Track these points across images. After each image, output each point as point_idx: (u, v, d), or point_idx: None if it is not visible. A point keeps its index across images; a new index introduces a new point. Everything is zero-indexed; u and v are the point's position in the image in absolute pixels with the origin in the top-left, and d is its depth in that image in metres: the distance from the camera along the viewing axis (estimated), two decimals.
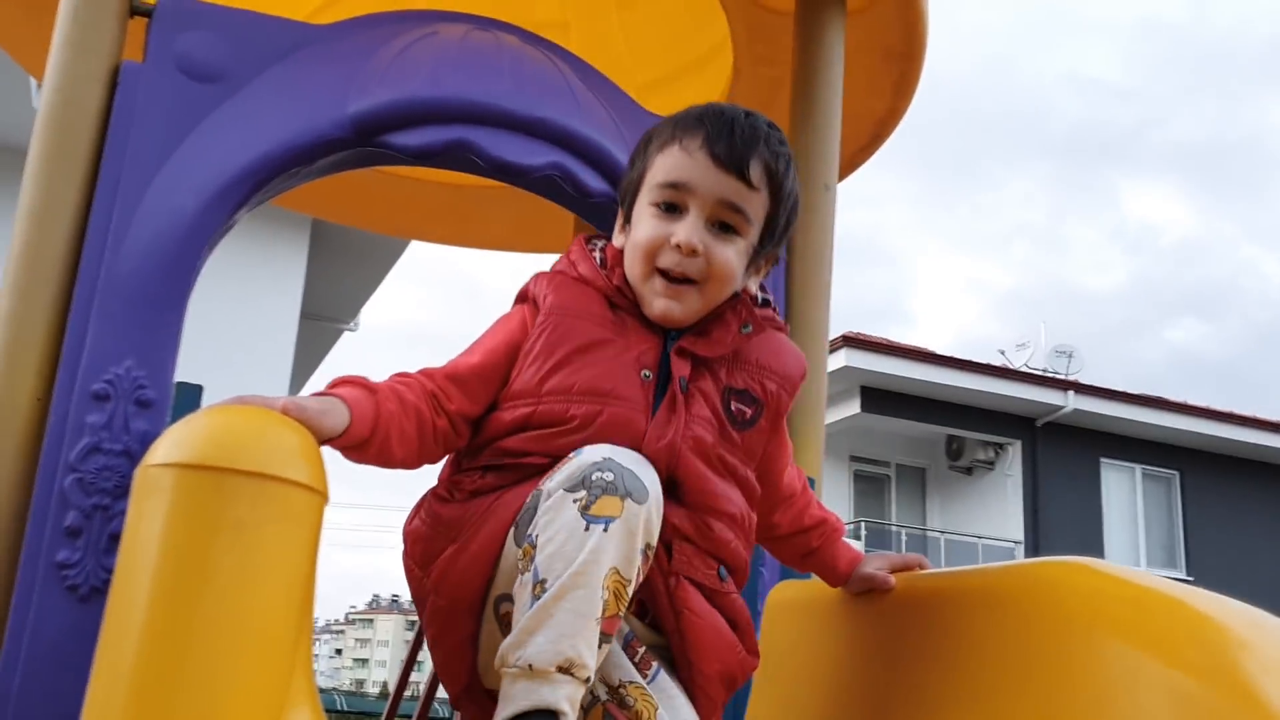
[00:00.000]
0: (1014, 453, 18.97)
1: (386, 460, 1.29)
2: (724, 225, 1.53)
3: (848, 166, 3.26)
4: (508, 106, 2.05)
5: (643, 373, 1.47)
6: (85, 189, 1.91)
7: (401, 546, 1.48)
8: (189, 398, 1.70)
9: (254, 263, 10.53)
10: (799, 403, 2.34)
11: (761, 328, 1.61)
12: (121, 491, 1.80)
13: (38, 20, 2.38)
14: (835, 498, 19.43)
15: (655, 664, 1.41)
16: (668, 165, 1.52)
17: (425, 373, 1.44)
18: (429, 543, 1.40)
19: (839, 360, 17.65)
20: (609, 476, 1.24)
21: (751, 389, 1.56)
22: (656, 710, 1.32)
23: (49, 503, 1.76)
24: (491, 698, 1.28)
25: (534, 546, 1.25)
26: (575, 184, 2.07)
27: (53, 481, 1.77)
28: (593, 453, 1.28)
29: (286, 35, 2.10)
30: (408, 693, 4.27)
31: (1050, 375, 19.20)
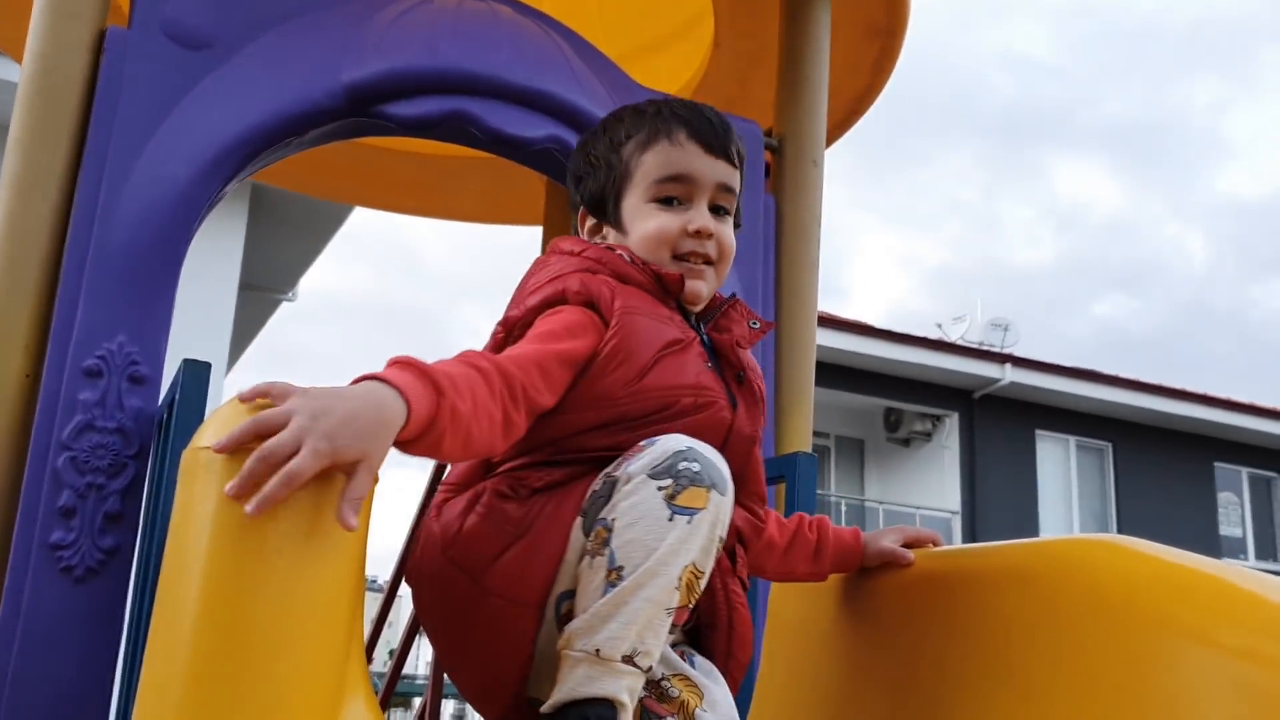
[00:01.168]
0: (951, 424, 19.25)
1: (439, 456, 1.20)
2: (718, 208, 1.56)
3: (836, 129, 3.27)
4: (507, 78, 2.02)
5: (707, 363, 1.48)
6: (71, 160, 1.85)
7: (425, 540, 1.39)
8: (197, 375, 1.66)
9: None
10: (792, 379, 2.36)
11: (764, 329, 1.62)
12: (116, 470, 1.75)
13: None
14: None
15: (688, 651, 1.41)
16: (661, 160, 1.52)
17: (512, 359, 1.29)
18: (485, 541, 1.31)
19: None
20: (695, 467, 1.22)
21: (756, 385, 1.57)
22: (702, 698, 1.32)
23: (41, 483, 1.72)
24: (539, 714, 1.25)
25: (608, 530, 1.23)
26: None
27: (45, 461, 1.73)
28: (675, 441, 1.25)
29: (278, 1, 2.05)
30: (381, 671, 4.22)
31: (987, 349, 19.49)
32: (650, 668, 1.21)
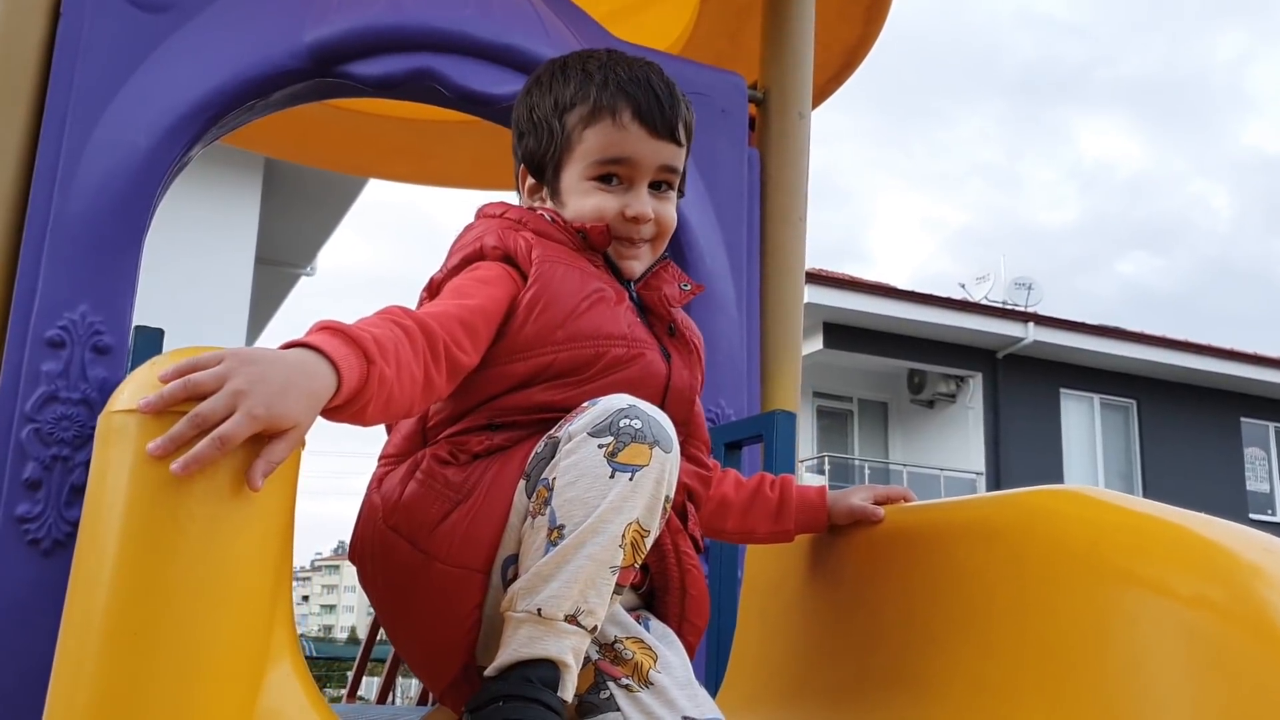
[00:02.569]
0: (975, 385, 19.14)
1: (362, 422, 1.16)
2: (659, 183, 1.53)
3: (819, 96, 3.20)
4: (473, 33, 1.97)
5: (637, 318, 1.45)
6: (30, 127, 1.82)
7: (366, 513, 1.36)
8: (149, 342, 1.63)
9: (206, 206, 10.31)
10: (775, 338, 2.31)
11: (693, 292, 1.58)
12: (81, 441, 1.73)
13: None
14: (800, 434, 19.52)
15: (644, 614, 1.38)
16: (603, 141, 1.48)
17: (432, 316, 1.26)
18: (426, 508, 1.29)
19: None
20: (636, 424, 1.20)
21: (690, 340, 1.53)
22: (656, 660, 1.28)
23: (6, 455, 1.70)
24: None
25: (549, 490, 1.20)
26: None
27: (9, 434, 1.71)
28: (617, 400, 1.22)
29: None
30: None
31: (1010, 308, 19.34)
32: (595, 627, 1.18)
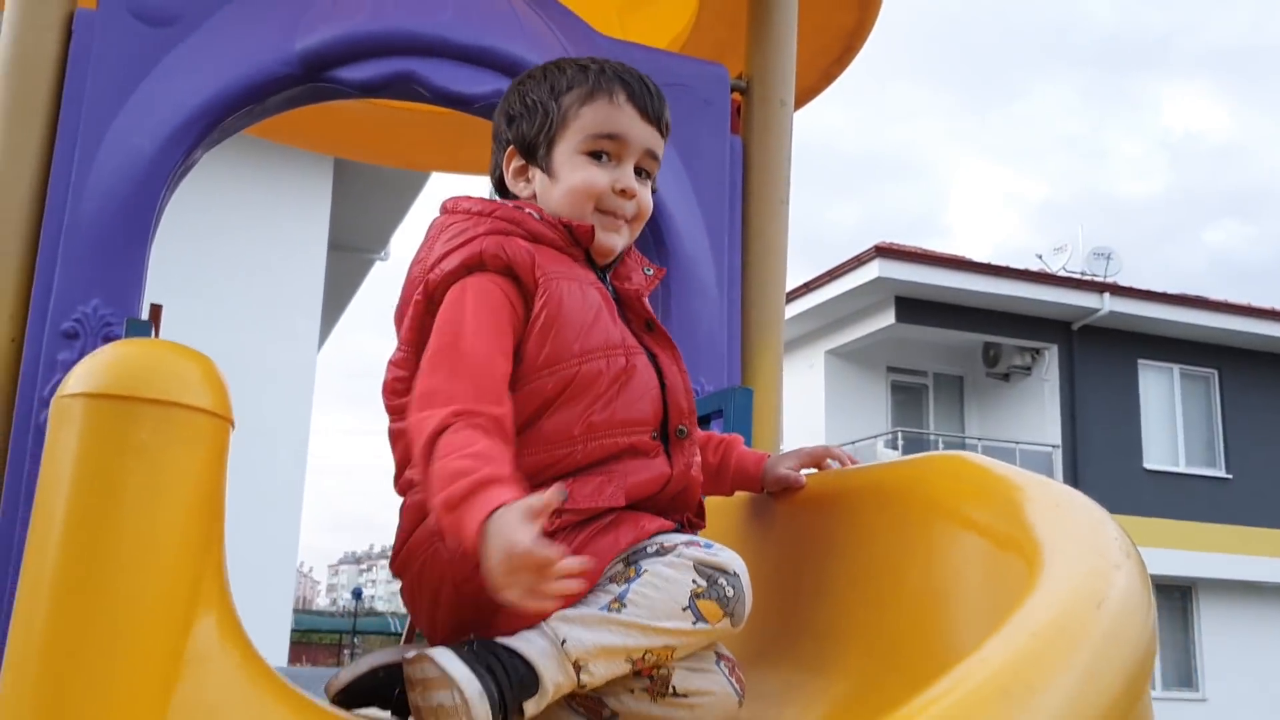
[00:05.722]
0: (1050, 357, 18.87)
1: None
2: (641, 171, 1.63)
3: (823, 79, 3.28)
4: (450, 37, 2.10)
5: (617, 317, 1.55)
6: (46, 137, 1.99)
7: (426, 552, 1.44)
8: (139, 331, 1.79)
9: (278, 194, 10.61)
10: (756, 317, 2.41)
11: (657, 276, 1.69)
12: None
13: None
14: (873, 409, 19.46)
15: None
16: (600, 116, 1.58)
17: (507, 412, 1.38)
18: None
19: (871, 271, 17.56)
20: (730, 592, 1.34)
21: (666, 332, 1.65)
22: None
23: (27, 436, 1.87)
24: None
25: (637, 575, 1.34)
26: None
27: (29, 417, 1.88)
28: (734, 561, 1.36)
29: None
30: None
31: (1085, 278, 19.00)
32: (584, 686, 1.30)
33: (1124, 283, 19.15)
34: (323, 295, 11.50)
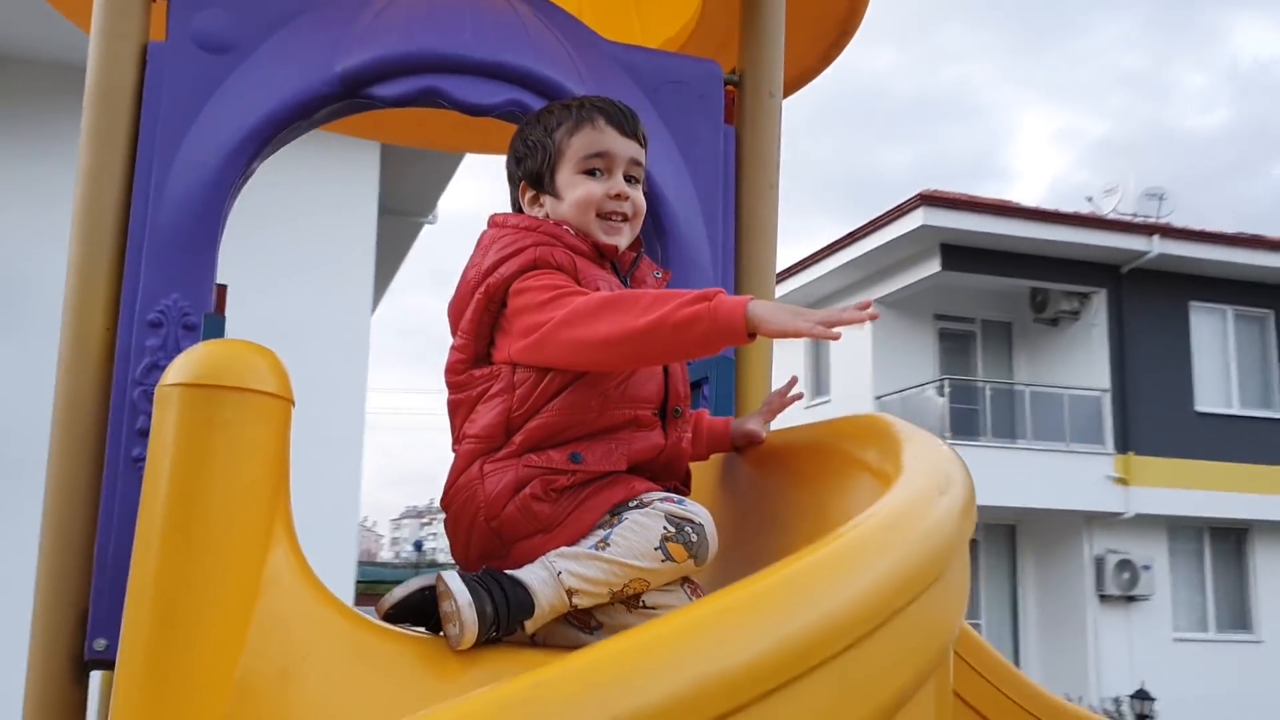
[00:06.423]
0: (1099, 301, 18.87)
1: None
2: (630, 178, 1.95)
3: (821, 62, 3.53)
4: (468, 54, 2.40)
5: None
6: (128, 155, 2.34)
7: (466, 494, 1.74)
8: (214, 326, 2.14)
9: (328, 161, 10.98)
10: (750, 289, 2.71)
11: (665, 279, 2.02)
12: None
13: None
14: (921, 357, 19.62)
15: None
16: (586, 141, 1.91)
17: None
18: (520, 528, 1.71)
19: (916, 219, 17.64)
20: (694, 537, 1.67)
21: None
22: None
23: (124, 411, 2.23)
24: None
25: (620, 522, 1.67)
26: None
27: (125, 394, 2.24)
28: (701, 513, 1.70)
29: (285, 4, 2.48)
30: None
31: (1134, 220, 18.91)
32: (575, 607, 1.62)
33: (1180, 223, 19.02)
34: (375, 259, 11.87)
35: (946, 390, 18.27)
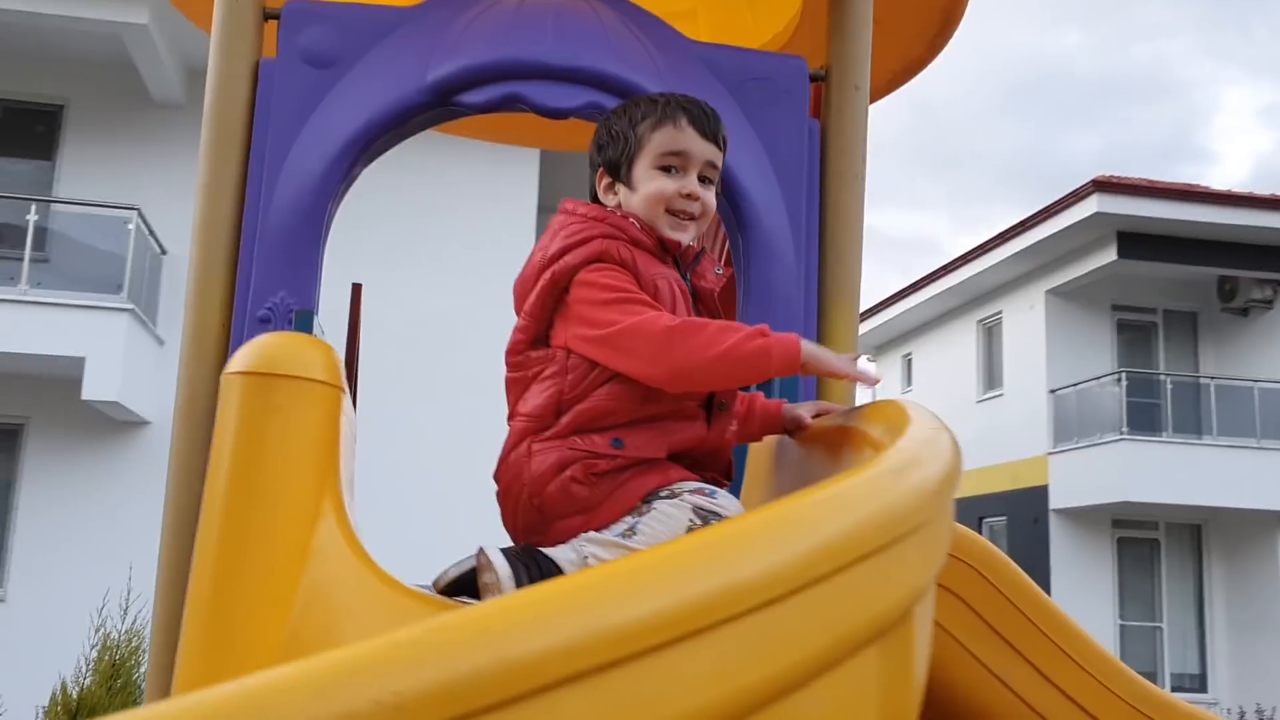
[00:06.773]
0: None
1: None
2: (704, 178, 2.02)
3: (929, 51, 3.53)
4: (549, 61, 2.52)
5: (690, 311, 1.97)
6: (241, 164, 2.55)
7: (514, 471, 1.85)
8: (304, 321, 2.33)
9: (488, 161, 11.39)
10: (832, 283, 2.75)
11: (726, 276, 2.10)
12: None
13: None
14: (1098, 349, 18.88)
15: None
16: (667, 138, 1.99)
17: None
18: (560, 507, 1.80)
19: (1089, 207, 16.98)
20: None
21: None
22: None
23: None
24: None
25: (649, 510, 1.76)
26: None
27: None
28: (728, 509, 1.77)
29: (383, 20, 2.65)
30: None
31: None
32: None
33: None
34: None
35: (1124, 383, 17.54)
